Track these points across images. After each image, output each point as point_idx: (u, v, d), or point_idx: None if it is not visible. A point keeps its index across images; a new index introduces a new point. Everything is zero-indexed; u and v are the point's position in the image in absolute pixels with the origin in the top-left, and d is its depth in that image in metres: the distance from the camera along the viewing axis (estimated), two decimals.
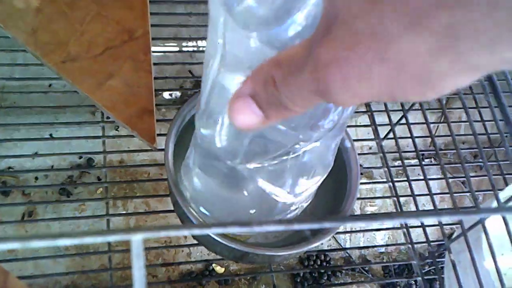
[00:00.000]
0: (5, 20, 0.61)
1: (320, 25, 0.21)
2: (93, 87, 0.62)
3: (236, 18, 0.30)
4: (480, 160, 0.59)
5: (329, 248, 0.94)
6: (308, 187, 0.46)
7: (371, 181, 0.96)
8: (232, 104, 0.24)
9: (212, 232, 0.24)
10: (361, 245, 0.94)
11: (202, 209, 0.51)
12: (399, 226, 0.66)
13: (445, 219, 0.62)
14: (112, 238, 0.20)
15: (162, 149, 0.61)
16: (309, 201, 0.50)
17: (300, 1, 0.28)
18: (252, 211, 0.48)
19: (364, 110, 0.72)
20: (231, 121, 0.25)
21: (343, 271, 0.94)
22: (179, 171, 0.60)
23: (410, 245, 0.62)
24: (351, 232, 0.89)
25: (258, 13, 0.29)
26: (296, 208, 0.49)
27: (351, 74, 0.20)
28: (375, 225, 0.96)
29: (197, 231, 0.21)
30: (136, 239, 0.20)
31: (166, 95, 0.97)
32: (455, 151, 0.61)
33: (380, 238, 0.96)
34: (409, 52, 0.18)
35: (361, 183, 0.93)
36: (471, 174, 0.98)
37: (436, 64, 0.18)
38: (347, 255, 0.94)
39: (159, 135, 0.63)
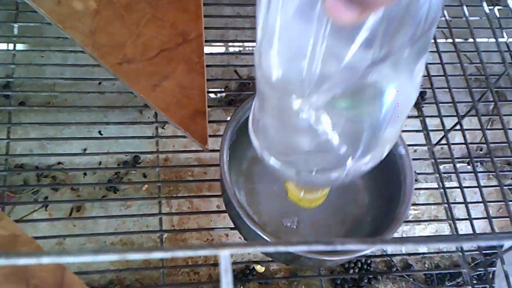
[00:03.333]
0: (64, 21, 0.63)
1: None
2: (148, 89, 0.63)
3: None
4: None
5: (371, 253, 0.93)
6: (391, 132, 0.39)
7: (416, 187, 0.95)
8: (325, 4, 0.24)
9: (296, 250, 0.24)
10: (403, 250, 0.93)
11: (272, 159, 0.45)
12: (448, 233, 0.65)
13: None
14: (201, 253, 0.21)
15: (214, 150, 0.62)
16: (388, 151, 0.42)
17: None
18: (321, 158, 0.41)
19: (416, 115, 0.71)
20: (330, 17, 0.25)
21: (384, 275, 0.93)
22: (232, 172, 0.60)
23: (460, 253, 0.61)
24: (393, 240, 0.88)
25: None
26: (368, 163, 0.42)
27: None
28: (418, 231, 0.96)
29: (282, 248, 0.22)
30: (224, 255, 0.20)
31: (211, 95, 0.98)
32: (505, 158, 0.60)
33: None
34: None
35: None
36: None
37: None
38: (389, 258, 0.94)
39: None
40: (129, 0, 0.66)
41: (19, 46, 0.81)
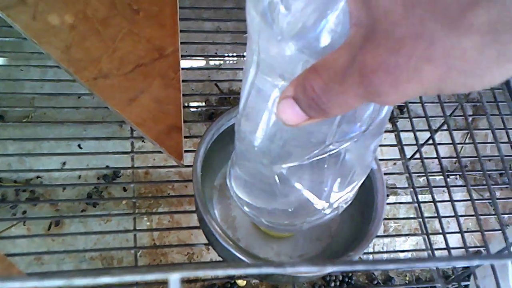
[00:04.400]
0: (40, 36, 0.63)
1: (356, 34, 0.22)
2: (124, 104, 0.63)
3: (269, 26, 0.31)
4: (507, 179, 0.59)
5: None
6: (349, 188, 0.46)
7: (395, 200, 0.95)
8: (278, 104, 0.26)
9: (247, 272, 0.25)
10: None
11: (245, 207, 0.51)
12: (424, 248, 0.65)
13: (472, 240, 0.61)
14: (149, 277, 0.21)
15: (189, 166, 0.62)
16: (348, 203, 0.49)
17: (330, 5, 0.29)
18: (290, 209, 0.48)
19: (391, 129, 0.72)
20: (278, 119, 0.27)
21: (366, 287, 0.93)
22: (207, 187, 0.60)
23: (435, 268, 0.62)
24: (373, 253, 0.88)
25: (289, 20, 0.30)
26: (336, 209, 0.49)
27: (400, 76, 0.21)
28: (399, 244, 0.96)
29: (233, 271, 0.22)
30: (174, 279, 0.20)
31: (192, 109, 0.98)
32: (481, 172, 0.60)
33: (403, 256, 0.96)
34: (455, 50, 0.20)
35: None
36: (497, 194, 0.97)
37: (483, 58, 0.20)
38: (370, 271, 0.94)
39: (185, 151, 0.64)
40: (106, 15, 0.66)
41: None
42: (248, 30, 0.35)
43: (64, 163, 0.89)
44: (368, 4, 0.21)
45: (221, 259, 0.62)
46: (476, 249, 0.78)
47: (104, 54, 0.64)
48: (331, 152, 0.40)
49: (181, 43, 0.70)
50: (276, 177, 0.44)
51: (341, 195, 0.46)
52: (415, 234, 0.82)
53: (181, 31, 0.79)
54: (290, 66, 0.32)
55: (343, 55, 0.23)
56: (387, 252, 0.89)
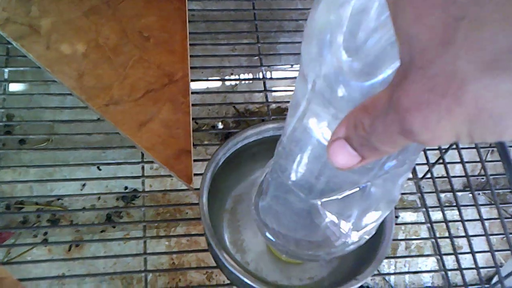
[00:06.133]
0: (53, 65, 0.65)
1: (398, 71, 0.22)
2: (134, 129, 0.64)
3: (328, 70, 0.32)
4: None
5: None
6: (372, 220, 0.46)
7: (408, 220, 0.94)
8: (329, 146, 0.26)
9: None
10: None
11: (270, 235, 0.52)
12: (438, 269, 0.65)
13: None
14: None
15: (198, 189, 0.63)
16: (371, 235, 0.50)
17: (390, 58, 0.30)
18: (316, 240, 0.48)
19: None
20: (330, 162, 0.27)
21: None
22: (216, 210, 0.61)
23: None
24: (383, 274, 0.87)
25: (351, 67, 0.31)
26: (358, 241, 0.49)
27: (431, 116, 0.21)
28: (414, 264, 0.95)
29: None
30: None
31: (210, 130, 0.99)
32: (489, 190, 0.59)
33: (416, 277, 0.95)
34: (488, 93, 0.19)
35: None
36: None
37: None
38: None
39: (195, 175, 0.65)
40: (117, 43, 0.68)
41: (17, 87, 0.84)
42: (301, 67, 0.36)
43: (83, 185, 0.91)
44: (409, 42, 0.21)
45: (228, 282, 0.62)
46: (487, 269, 0.76)
47: (116, 81, 0.66)
48: (362, 188, 0.41)
49: (198, 67, 0.71)
50: (309, 210, 0.45)
51: (366, 228, 0.46)
52: (428, 255, 0.81)
53: (198, 55, 0.80)
54: (343, 106, 0.32)
55: (385, 93, 0.23)
56: (399, 273, 0.88)
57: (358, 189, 0.42)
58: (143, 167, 0.70)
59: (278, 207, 0.48)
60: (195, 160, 0.67)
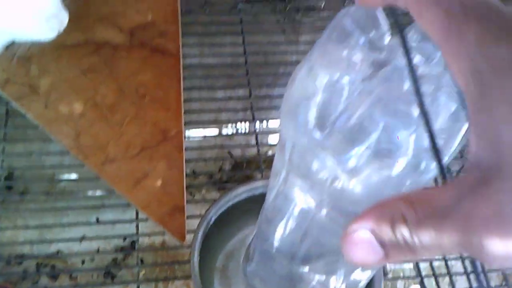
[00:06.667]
0: (51, 125, 0.67)
1: (470, 175, 0.20)
2: (129, 187, 0.65)
3: (304, 143, 0.34)
4: None
5: None
6: (360, 278, 0.47)
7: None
8: (349, 236, 0.22)
9: None
10: None
11: None
12: None
13: None
14: None
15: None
16: None
17: (360, 137, 0.31)
18: None
19: None
20: (344, 254, 0.23)
21: None
22: (207, 268, 0.62)
23: None
24: None
25: (323, 144, 0.33)
26: None
27: None
28: None
29: None
30: None
31: (206, 177, 1.00)
32: None
33: None
34: None
35: None
36: None
37: None
38: None
39: (189, 231, 0.66)
40: (114, 101, 0.69)
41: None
42: (279, 139, 0.37)
43: (83, 237, 0.92)
44: (498, 145, 0.19)
45: None
46: None
47: (112, 140, 0.67)
48: None
49: (195, 110, 0.72)
50: (294, 276, 0.46)
51: (355, 282, 0.47)
52: None
53: (195, 99, 0.82)
54: (321, 178, 0.33)
55: (448, 194, 0.20)
56: None
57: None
58: (137, 226, 0.70)
59: (264, 272, 0.48)
60: (188, 217, 0.68)
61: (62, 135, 0.67)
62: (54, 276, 0.90)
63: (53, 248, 0.91)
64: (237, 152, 1.03)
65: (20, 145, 0.87)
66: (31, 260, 0.90)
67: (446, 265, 0.72)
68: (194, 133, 0.96)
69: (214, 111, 0.98)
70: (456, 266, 0.77)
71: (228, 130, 1.03)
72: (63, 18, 0.59)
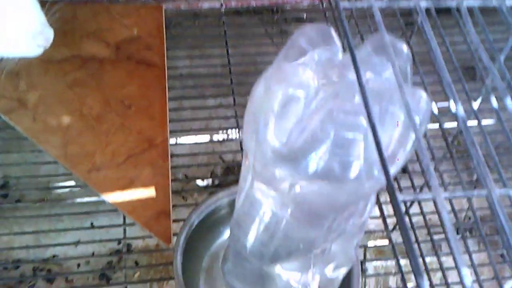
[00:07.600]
0: (39, 136, 0.70)
1: None
2: (116, 194, 0.68)
3: (265, 153, 0.37)
4: None
5: None
6: (332, 277, 0.49)
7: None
8: None
9: None
10: None
11: None
12: None
13: None
14: None
15: None
16: None
17: (316, 145, 0.34)
18: None
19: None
20: None
21: None
22: (192, 271, 0.64)
23: None
24: None
25: (280, 153, 0.36)
26: None
27: None
28: None
29: None
30: None
31: (198, 182, 1.03)
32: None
33: None
34: None
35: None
36: None
37: None
38: None
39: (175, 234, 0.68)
40: (100, 112, 0.72)
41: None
42: (244, 147, 0.41)
43: (78, 242, 0.95)
44: None
45: None
46: None
47: (98, 149, 0.70)
48: (319, 249, 0.45)
49: (187, 119, 0.75)
50: (266, 274, 0.49)
51: (326, 284, 0.50)
52: None
53: (187, 108, 0.85)
54: (279, 183, 0.37)
55: None
56: None
57: (312, 254, 0.46)
58: (124, 230, 0.73)
59: (239, 271, 0.51)
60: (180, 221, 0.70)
61: (49, 145, 0.70)
62: (50, 280, 0.92)
63: (49, 252, 0.94)
64: (228, 157, 1.06)
65: (14, 155, 0.90)
66: (27, 265, 0.93)
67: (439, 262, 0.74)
68: (186, 140, 0.99)
69: (205, 118, 1.01)
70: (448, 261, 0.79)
71: (219, 136, 1.06)
72: (49, 35, 0.62)
